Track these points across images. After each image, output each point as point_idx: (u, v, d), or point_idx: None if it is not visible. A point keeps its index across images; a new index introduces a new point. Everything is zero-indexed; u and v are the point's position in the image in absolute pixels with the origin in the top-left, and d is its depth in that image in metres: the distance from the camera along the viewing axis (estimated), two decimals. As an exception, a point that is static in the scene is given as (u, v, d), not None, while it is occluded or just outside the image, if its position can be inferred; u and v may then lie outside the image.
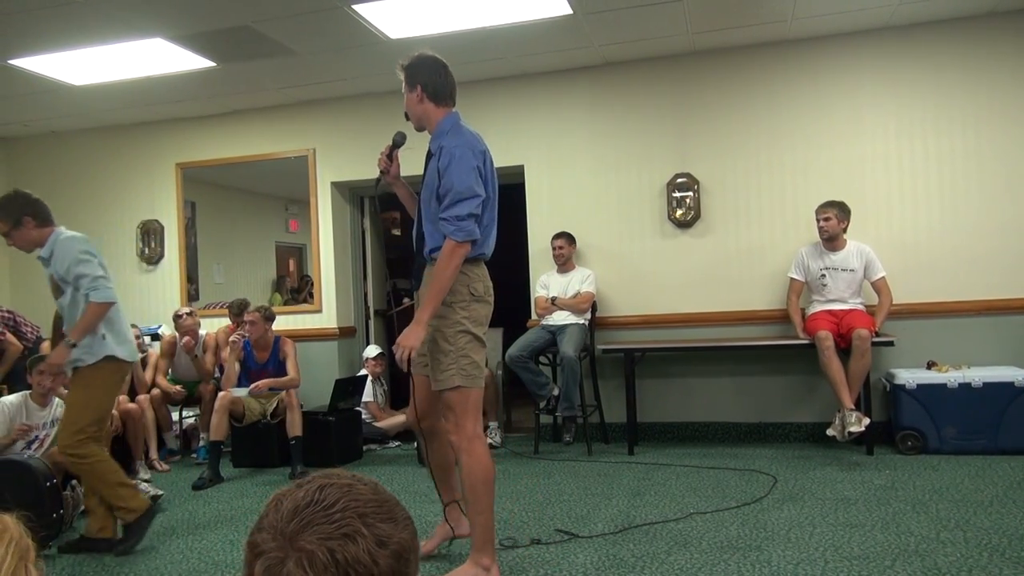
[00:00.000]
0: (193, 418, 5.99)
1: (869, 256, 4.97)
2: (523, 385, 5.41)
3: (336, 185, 6.35)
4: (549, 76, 5.84)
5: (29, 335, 5.54)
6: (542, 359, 5.50)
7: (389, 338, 6.66)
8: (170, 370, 5.82)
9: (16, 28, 4.54)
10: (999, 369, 4.79)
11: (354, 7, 4.46)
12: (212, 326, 6.13)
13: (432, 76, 2.91)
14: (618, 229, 5.71)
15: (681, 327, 5.53)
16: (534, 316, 5.70)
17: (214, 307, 6.55)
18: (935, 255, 5.16)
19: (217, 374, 5.84)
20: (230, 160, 6.49)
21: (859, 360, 4.64)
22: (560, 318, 5.42)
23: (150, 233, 6.68)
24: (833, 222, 4.94)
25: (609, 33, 5.10)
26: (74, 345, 3.38)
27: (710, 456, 5.00)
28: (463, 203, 2.79)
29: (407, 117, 3.00)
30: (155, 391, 5.64)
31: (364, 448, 5.66)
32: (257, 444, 5.33)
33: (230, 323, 5.96)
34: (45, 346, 5.15)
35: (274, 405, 5.25)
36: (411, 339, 2.79)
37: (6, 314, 5.52)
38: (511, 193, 6.06)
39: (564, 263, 5.56)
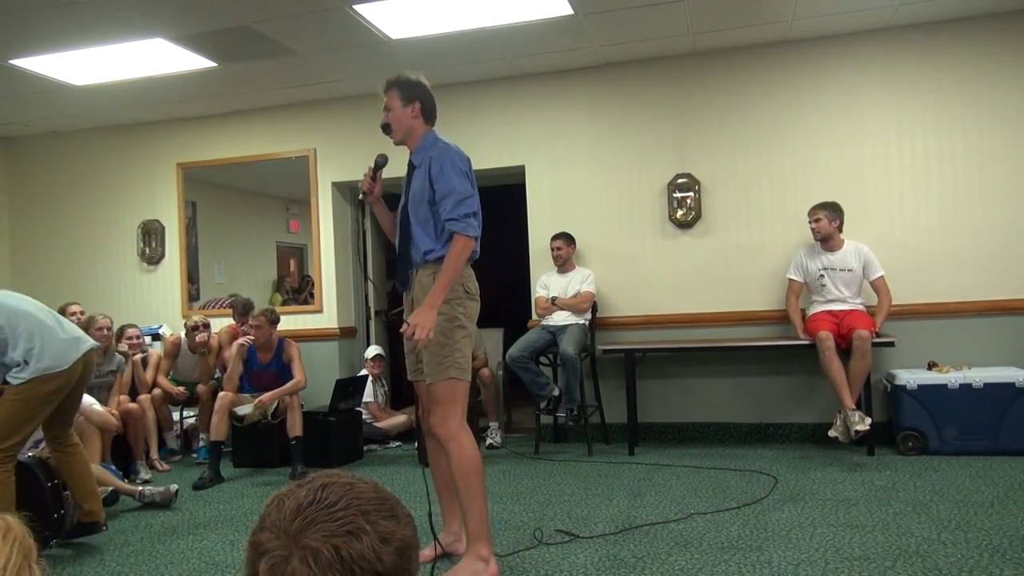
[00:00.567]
0: (193, 418, 5.99)
1: (867, 256, 4.97)
2: (523, 385, 5.41)
3: (337, 185, 6.35)
4: (549, 76, 5.84)
5: None
6: (542, 359, 5.50)
7: (390, 338, 6.66)
8: (171, 371, 5.82)
9: (16, 28, 4.55)
10: (1000, 370, 4.79)
11: (355, 7, 4.46)
12: (214, 326, 6.12)
13: (427, 97, 3.16)
14: (619, 229, 5.71)
15: (682, 327, 5.53)
16: (534, 316, 5.70)
17: (215, 305, 6.55)
18: (936, 256, 5.16)
19: (218, 374, 5.84)
20: (231, 160, 6.49)
21: (859, 361, 4.64)
22: (560, 318, 5.42)
23: (151, 233, 6.68)
24: (824, 223, 4.94)
25: (610, 33, 5.10)
26: None
27: (711, 456, 5.00)
28: (466, 202, 2.98)
29: (387, 130, 3.17)
30: (156, 391, 5.65)
31: (364, 448, 5.66)
32: (258, 444, 5.33)
33: (233, 323, 5.96)
34: None
35: (275, 405, 5.25)
36: (428, 320, 2.89)
37: None
38: (511, 193, 6.09)
39: (563, 264, 5.56)
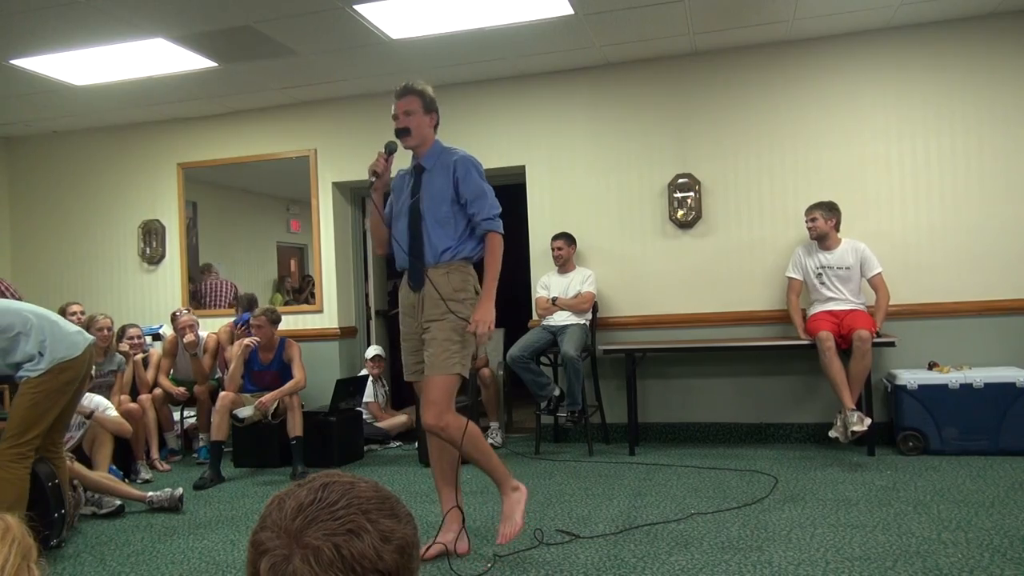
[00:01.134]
0: (194, 418, 5.99)
1: (864, 253, 4.96)
2: (524, 386, 5.41)
3: (337, 185, 6.36)
4: (550, 76, 5.84)
5: None
6: (543, 359, 5.50)
7: (390, 338, 6.66)
8: (172, 371, 5.82)
9: (16, 28, 4.55)
10: (1000, 370, 4.79)
11: (355, 7, 4.47)
12: (214, 326, 6.13)
13: (439, 111, 3.34)
14: (619, 230, 5.71)
15: (682, 328, 5.53)
16: (535, 316, 5.70)
17: (215, 301, 6.55)
18: (936, 255, 5.16)
19: (218, 373, 5.84)
20: (231, 160, 6.49)
21: (860, 361, 4.64)
22: (561, 318, 5.43)
23: (151, 233, 6.68)
24: (820, 223, 4.94)
25: (610, 33, 5.10)
26: None
27: (711, 457, 5.00)
28: (494, 203, 3.22)
29: (405, 133, 3.23)
30: (157, 391, 5.65)
31: (365, 448, 5.66)
32: (258, 444, 5.33)
33: (231, 322, 5.96)
34: None
35: (275, 406, 5.24)
36: (490, 315, 3.11)
37: None
38: (512, 193, 6.08)
39: (564, 264, 5.57)
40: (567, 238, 5.58)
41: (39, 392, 3.29)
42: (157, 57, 5.11)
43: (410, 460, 5.33)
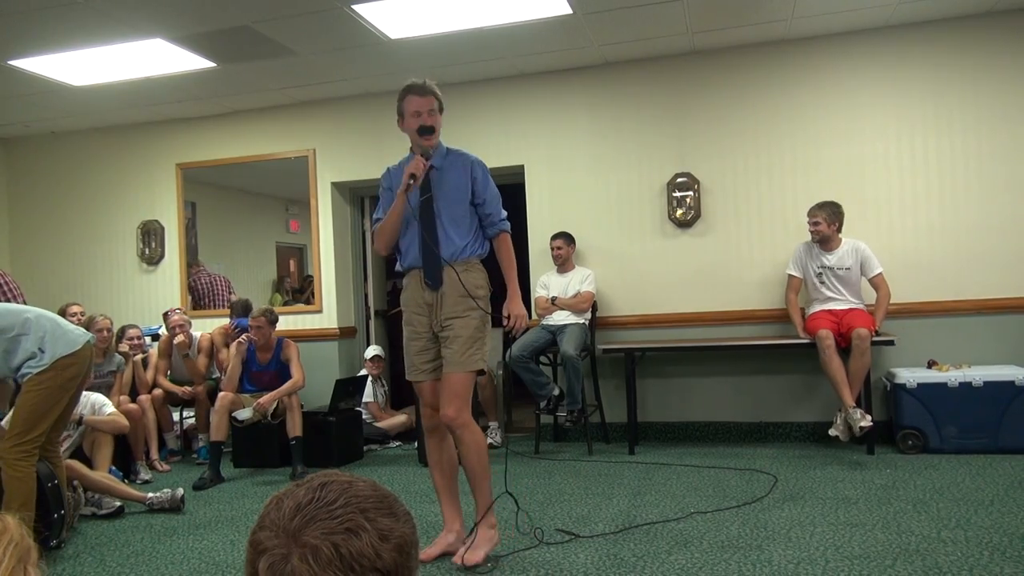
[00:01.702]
0: (193, 419, 5.98)
1: (864, 253, 4.96)
2: (524, 385, 5.41)
3: (336, 185, 6.35)
4: (549, 76, 5.84)
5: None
6: (543, 359, 5.50)
7: (389, 338, 6.66)
8: (168, 371, 5.82)
9: (16, 28, 4.55)
10: (999, 368, 4.79)
11: (354, 7, 4.46)
12: (213, 326, 6.13)
13: None
14: (618, 229, 5.71)
15: (682, 327, 5.54)
16: (534, 316, 5.70)
17: (214, 301, 6.55)
18: (935, 254, 5.16)
19: (216, 374, 5.84)
20: (230, 160, 6.49)
21: (859, 359, 4.64)
22: (560, 318, 5.43)
23: (150, 233, 6.68)
24: (823, 226, 4.93)
25: (609, 33, 5.10)
26: None
27: (711, 456, 5.00)
28: (500, 204, 3.32)
29: (431, 131, 3.19)
30: (156, 391, 5.64)
31: (365, 448, 5.66)
32: (258, 444, 5.33)
33: (227, 324, 5.95)
34: None
35: (274, 406, 5.24)
36: (521, 309, 3.27)
37: None
38: (511, 193, 6.07)
39: (563, 263, 5.57)
40: (566, 237, 5.58)
41: (43, 389, 3.30)
42: (156, 57, 5.11)
43: (409, 460, 5.33)
